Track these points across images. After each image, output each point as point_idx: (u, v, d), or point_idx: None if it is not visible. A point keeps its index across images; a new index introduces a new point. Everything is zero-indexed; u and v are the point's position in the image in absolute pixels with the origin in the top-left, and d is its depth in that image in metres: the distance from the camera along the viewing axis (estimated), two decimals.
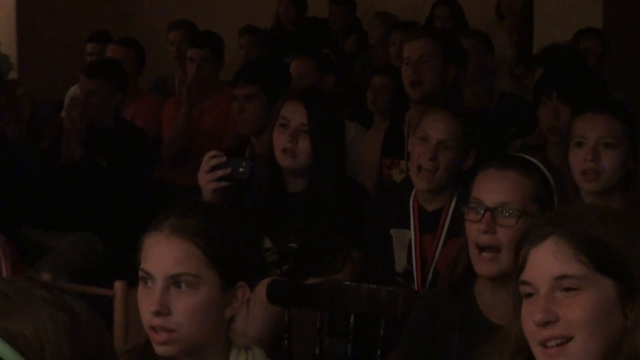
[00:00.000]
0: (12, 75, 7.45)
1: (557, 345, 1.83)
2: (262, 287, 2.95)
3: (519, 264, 1.90)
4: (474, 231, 2.53)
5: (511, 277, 1.95)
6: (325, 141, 3.43)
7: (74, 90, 5.89)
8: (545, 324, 1.83)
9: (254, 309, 2.23)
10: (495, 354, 1.94)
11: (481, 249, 2.53)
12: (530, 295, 1.88)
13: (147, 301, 2.11)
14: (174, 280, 2.09)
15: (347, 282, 3.09)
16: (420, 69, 4.19)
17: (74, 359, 1.26)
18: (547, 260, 1.86)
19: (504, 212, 2.50)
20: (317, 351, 3.02)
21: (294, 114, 3.45)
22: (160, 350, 2.10)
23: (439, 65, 4.22)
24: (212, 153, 3.13)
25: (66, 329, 1.27)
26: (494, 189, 2.53)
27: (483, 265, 2.52)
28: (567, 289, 1.84)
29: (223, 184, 3.07)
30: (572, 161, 3.22)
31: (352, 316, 3.00)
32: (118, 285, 2.98)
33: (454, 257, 2.64)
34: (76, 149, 4.78)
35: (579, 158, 3.19)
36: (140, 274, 2.13)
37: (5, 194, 4.35)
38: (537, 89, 4.05)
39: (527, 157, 2.61)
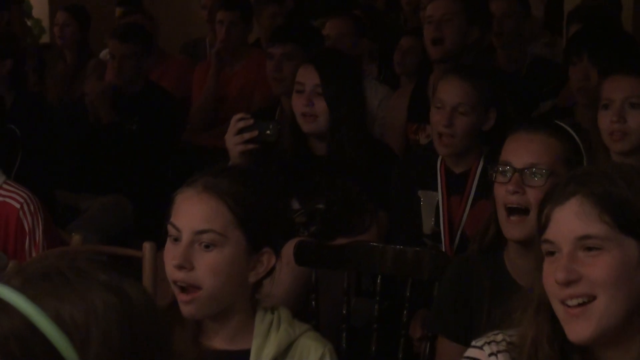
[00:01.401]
0: (44, 39, 7.49)
1: (580, 305, 1.84)
2: (289, 248, 2.97)
3: (542, 223, 1.91)
4: (503, 192, 2.54)
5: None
6: (341, 101, 3.46)
7: (104, 54, 5.92)
8: (567, 283, 1.84)
9: (280, 269, 2.25)
10: (518, 311, 1.95)
11: (510, 211, 2.53)
12: (552, 253, 1.88)
13: (171, 254, 2.13)
14: (200, 237, 2.11)
15: (374, 243, 3.11)
16: (443, 27, 4.17)
17: (122, 345, 1.24)
18: (571, 220, 1.86)
19: (533, 172, 2.51)
20: (344, 311, 3.03)
21: (307, 78, 3.49)
22: (185, 310, 2.12)
23: (462, 25, 4.19)
24: (240, 116, 3.14)
25: (117, 315, 1.25)
26: (523, 150, 2.54)
27: (512, 228, 2.53)
28: (590, 248, 1.84)
29: (250, 146, 3.09)
30: (600, 123, 3.23)
31: (379, 277, 3.01)
32: (147, 246, 3.01)
33: (484, 222, 2.65)
34: (104, 112, 4.81)
35: (606, 120, 3.20)
36: (169, 227, 2.15)
37: (39, 157, 4.39)
38: (568, 49, 4.03)
39: (556, 121, 2.61)
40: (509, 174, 2.53)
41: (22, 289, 1.24)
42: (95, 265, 1.30)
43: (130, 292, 1.29)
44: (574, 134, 2.55)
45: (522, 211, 2.53)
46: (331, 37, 4.92)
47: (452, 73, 3.44)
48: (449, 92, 3.37)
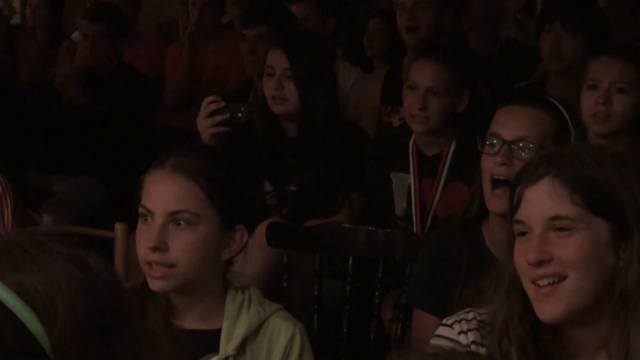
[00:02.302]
0: (15, 20, 7.43)
1: (550, 284, 1.85)
2: (261, 229, 2.97)
3: (513, 203, 1.92)
4: (490, 163, 2.53)
5: None
6: (311, 84, 3.48)
7: (76, 35, 5.88)
8: (538, 263, 1.85)
9: (252, 250, 2.26)
10: (490, 289, 1.96)
11: (495, 183, 2.53)
12: (523, 234, 1.89)
13: (145, 237, 2.13)
14: (173, 218, 2.11)
15: (346, 225, 3.11)
16: (417, 14, 4.16)
17: (87, 316, 1.25)
18: (542, 201, 1.87)
19: (521, 146, 2.50)
20: (315, 293, 3.04)
21: (277, 61, 3.51)
22: (155, 285, 2.12)
23: (435, 10, 4.18)
24: (211, 98, 3.13)
25: (80, 286, 1.25)
26: (513, 123, 2.53)
27: (496, 201, 2.51)
28: (561, 229, 1.85)
29: (221, 129, 3.08)
30: (584, 103, 3.22)
31: (351, 258, 3.02)
32: (119, 227, 3.00)
33: (469, 195, 2.64)
34: (76, 94, 4.79)
35: (591, 100, 3.19)
36: (140, 210, 2.15)
37: (10, 137, 4.37)
38: (541, 17, 4.05)
39: (548, 97, 2.61)
40: (497, 146, 2.52)
41: None
42: (55, 238, 1.30)
43: (90, 262, 1.29)
44: (563, 110, 2.55)
45: (507, 184, 2.52)
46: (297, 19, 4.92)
47: (424, 55, 3.44)
48: (422, 74, 3.38)
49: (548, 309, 1.85)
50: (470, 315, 1.98)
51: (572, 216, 1.85)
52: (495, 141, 2.53)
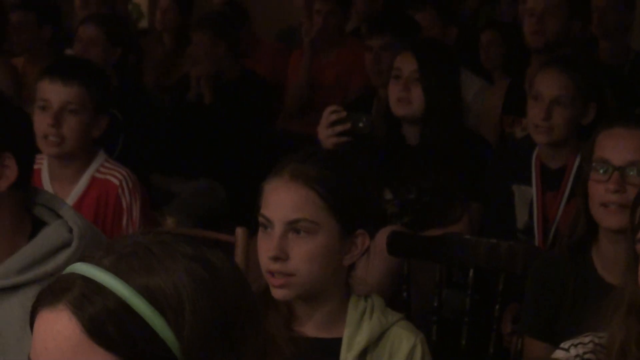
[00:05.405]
0: (143, 24, 7.58)
1: None
2: (382, 237, 2.97)
3: (635, 222, 1.87)
4: (601, 191, 2.46)
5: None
6: (437, 88, 3.47)
7: None
8: None
9: (373, 258, 2.24)
10: (608, 313, 1.92)
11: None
12: None
13: (265, 246, 2.13)
14: (293, 226, 2.11)
15: (467, 236, 3.08)
16: (545, 19, 4.12)
17: (213, 316, 1.24)
18: None
19: (634, 170, 2.44)
20: (435, 304, 3.02)
21: (405, 64, 3.52)
22: (277, 293, 2.13)
23: (564, 18, 4.14)
24: (332, 108, 3.12)
25: (206, 287, 1.24)
26: (622, 147, 2.46)
27: (611, 217, 2.46)
28: None
29: (343, 139, 3.07)
30: None
31: (471, 270, 2.99)
32: (239, 231, 3.02)
33: (573, 219, 2.59)
34: (207, 93, 4.86)
35: None
36: (260, 219, 2.15)
37: (136, 140, 4.45)
38: None
39: None
40: (608, 172, 2.46)
41: (113, 268, 1.24)
42: (179, 238, 1.30)
43: (215, 262, 1.28)
44: None
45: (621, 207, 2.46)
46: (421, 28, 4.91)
47: (551, 65, 3.39)
48: (547, 84, 3.33)
49: None
50: (588, 339, 1.95)
51: None
52: (605, 167, 2.46)
